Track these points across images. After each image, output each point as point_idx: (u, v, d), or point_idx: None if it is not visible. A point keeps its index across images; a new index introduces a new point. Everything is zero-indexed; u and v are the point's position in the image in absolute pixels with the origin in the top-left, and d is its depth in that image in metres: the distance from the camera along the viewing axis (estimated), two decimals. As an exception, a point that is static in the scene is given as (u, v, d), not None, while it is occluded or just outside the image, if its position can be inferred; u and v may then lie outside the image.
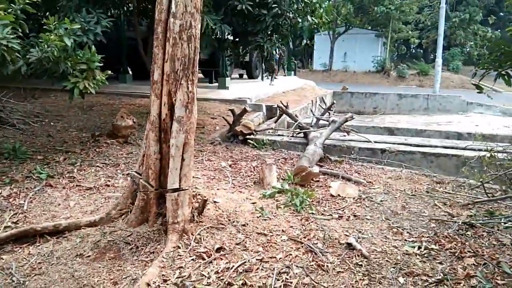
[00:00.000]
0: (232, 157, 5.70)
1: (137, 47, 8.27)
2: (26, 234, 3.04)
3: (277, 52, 14.93)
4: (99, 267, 2.69)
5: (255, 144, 6.48)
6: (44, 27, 4.15)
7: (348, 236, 3.13)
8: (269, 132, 7.39)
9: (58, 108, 7.94)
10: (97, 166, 4.74)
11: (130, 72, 12.99)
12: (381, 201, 3.98)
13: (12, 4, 3.78)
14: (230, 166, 5.25)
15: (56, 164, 4.68)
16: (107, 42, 5.40)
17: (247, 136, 6.63)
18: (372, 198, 4.06)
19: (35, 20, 5.76)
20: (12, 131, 6.04)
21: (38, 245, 2.97)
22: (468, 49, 33.38)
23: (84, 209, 3.57)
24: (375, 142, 6.52)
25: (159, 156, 3.13)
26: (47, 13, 4.88)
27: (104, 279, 2.56)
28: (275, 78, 17.98)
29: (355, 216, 3.60)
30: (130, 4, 7.84)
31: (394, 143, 6.48)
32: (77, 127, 6.57)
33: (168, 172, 3.05)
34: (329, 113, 8.05)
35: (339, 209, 3.74)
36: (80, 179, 4.27)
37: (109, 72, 4.78)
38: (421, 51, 39.01)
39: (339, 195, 4.08)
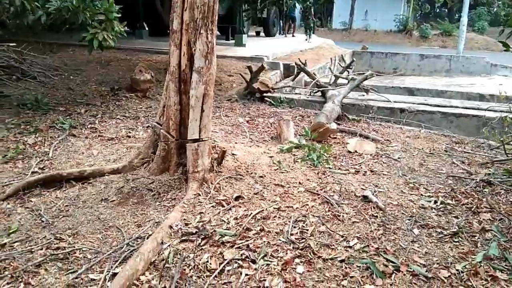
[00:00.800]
0: (249, 114, 5.72)
1: (153, 2, 8.13)
2: (53, 179, 3.17)
3: (308, 9, 14.52)
4: (123, 211, 2.80)
5: (272, 101, 6.46)
6: (63, -24, 4.10)
7: (364, 189, 3.17)
8: (286, 90, 7.34)
9: (76, 62, 7.99)
10: (118, 118, 4.82)
11: (147, 28, 12.86)
12: (399, 158, 3.98)
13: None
14: (247, 122, 5.29)
15: (78, 115, 4.79)
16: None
17: (264, 94, 6.61)
18: (390, 155, 4.06)
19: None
20: (33, 83, 6.14)
21: (65, 190, 3.10)
22: (495, 9, 31.79)
23: (107, 158, 3.68)
24: (395, 101, 6.43)
25: (179, 107, 3.16)
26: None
27: (129, 221, 2.68)
28: (293, 36, 17.59)
29: (371, 171, 3.63)
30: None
31: (413, 103, 6.38)
32: (96, 81, 6.63)
33: (188, 123, 3.09)
34: (348, 71, 7.90)
35: (356, 165, 3.77)
36: (101, 130, 4.38)
37: (126, 26, 4.75)
38: (446, 10, 37.32)
39: (356, 152, 4.09)
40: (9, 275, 2.14)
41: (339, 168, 3.65)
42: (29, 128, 4.24)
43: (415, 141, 4.65)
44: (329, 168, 3.62)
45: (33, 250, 2.36)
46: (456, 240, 2.56)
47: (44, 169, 3.42)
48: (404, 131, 5.10)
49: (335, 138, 4.57)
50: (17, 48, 6.81)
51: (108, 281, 2.09)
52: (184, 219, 2.65)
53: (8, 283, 2.09)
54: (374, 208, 2.89)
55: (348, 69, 7.90)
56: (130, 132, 4.40)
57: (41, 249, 2.37)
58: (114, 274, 2.11)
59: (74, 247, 2.39)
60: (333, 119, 5.04)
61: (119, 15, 4.52)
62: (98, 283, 2.07)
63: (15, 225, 2.61)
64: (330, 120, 4.82)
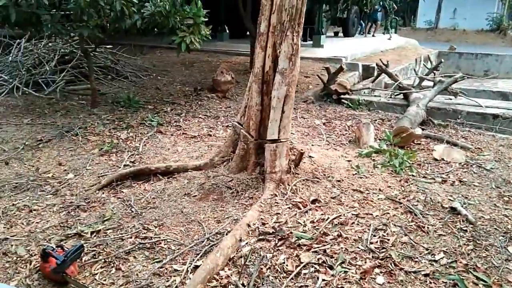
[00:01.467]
0: (325, 116, 5.64)
1: (236, 4, 8.36)
2: (142, 173, 3.42)
3: (388, 7, 13.98)
4: (204, 206, 2.93)
5: (349, 104, 6.30)
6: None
7: (452, 200, 2.96)
8: (365, 92, 7.11)
9: (163, 63, 8.52)
10: (200, 117, 5.06)
11: (227, 31, 13.29)
12: (491, 168, 3.65)
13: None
14: (324, 124, 5.22)
15: (164, 113, 5.11)
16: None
17: (342, 96, 6.47)
18: (481, 164, 3.74)
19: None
20: (126, 82, 6.68)
21: (152, 183, 3.33)
22: None
23: (190, 155, 3.87)
24: (486, 106, 5.91)
25: (260, 108, 3.22)
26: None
27: (209, 217, 2.79)
28: (373, 36, 17.00)
29: (460, 181, 3.37)
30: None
31: (508, 109, 5.80)
32: (181, 82, 7.01)
33: (267, 124, 3.13)
34: (434, 73, 7.41)
35: (443, 173, 3.53)
36: (185, 128, 4.62)
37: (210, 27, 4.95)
38: (550, 6, 33.30)
39: (443, 159, 3.83)
40: (103, 260, 2.34)
41: (423, 176, 3.45)
42: (122, 124, 4.62)
43: (510, 150, 4.23)
44: (413, 175, 3.43)
45: (123, 238, 2.56)
46: (561, 264, 2.28)
47: (135, 163, 3.70)
48: (497, 139, 4.66)
49: (419, 144, 4.33)
50: (112, 50, 7.45)
51: (190, 273, 2.20)
52: (261, 218, 2.69)
53: (101, 267, 2.30)
54: (463, 221, 2.69)
55: (434, 71, 7.41)
56: (211, 131, 4.59)
57: (131, 237, 2.56)
58: (196, 267, 2.22)
59: (159, 237, 2.55)
60: (417, 124, 4.77)
61: (206, 19, 4.73)
62: (181, 274, 2.19)
63: (108, 213, 2.86)
64: (414, 125, 4.57)
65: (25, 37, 6.68)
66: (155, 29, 4.83)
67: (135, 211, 2.88)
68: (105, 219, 2.78)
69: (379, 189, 3.14)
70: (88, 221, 2.77)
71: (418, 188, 3.17)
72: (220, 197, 3.05)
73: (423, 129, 4.82)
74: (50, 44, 6.67)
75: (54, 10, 4.36)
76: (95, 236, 2.59)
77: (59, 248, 2.30)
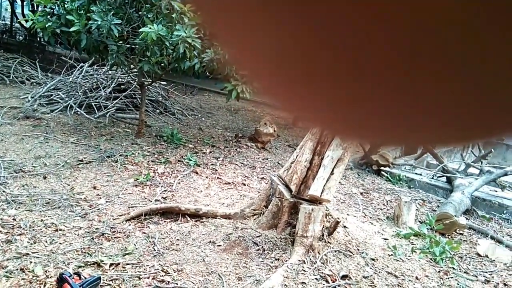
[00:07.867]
0: (363, 185, 5.46)
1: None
2: (172, 211, 3.36)
3: None
4: (227, 258, 2.80)
5: (389, 177, 6.11)
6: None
7: (496, 306, 2.67)
8: (406, 168, 6.89)
9: (209, 106, 8.74)
10: (236, 164, 5.03)
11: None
12: (543, 277, 3.31)
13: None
14: (361, 194, 5.04)
15: (202, 155, 5.13)
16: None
17: (382, 168, 6.30)
18: (531, 270, 3.41)
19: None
20: (172, 119, 6.85)
21: (179, 223, 3.25)
22: None
23: (221, 201, 3.80)
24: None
25: (308, 165, 3.17)
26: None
27: (230, 271, 2.65)
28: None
29: (505, 284, 3.06)
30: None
31: None
32: (223, 126, 7.11)
33: (310, 183, 3.05)
34: (482, 161, 7.12)
35: (486, 272, 3.23)
36: (221, 173, 4.59)
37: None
38: None
39: (487, 256, 3.54)
40: (117, 296, 2.24)
41: (465, 272, 3.17)
42: (160, 158, 4.66)
43: None
44: (453, 268, 3.17)
45: (141, 276, 2.47)
46: None
47: (166, 199, 3.67)
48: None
49: (462, 234, 4.04)
50: (165, 86, 7.75)
51: (203, 330, 2.05)
52: (285, 285, 2.53)
53: (114, 304, 2.20)
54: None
55: (482, 159, 7.13)
56: (245, 180, 4.52)
57: (148, 277, 2.47)
58: (210, 325, 2.07)
59: (176, 284, 2.44)
60: (461, 212, 4.50)
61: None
62: (193, 330, 2.04)
63: (131, 247, 2.79)
64: (458, 213, 4.31)
65: (88, 61, 7.10)
66: (210, 74, 4.98)
67: (157, 250, 2.80)
68: (126, 252, 2.71)
69: (416, 277, 2.90)
70: (110, 251, 2.70)
71: (458, 284, 2.90)
72: (245, 252, 2.92)
73: (467, 219, 4.53)
74: (109, 71, 7.04)
75: (121, 42, 4.63)
76: (113, 269, 2.51)
77: (76, 275, 2.23)
